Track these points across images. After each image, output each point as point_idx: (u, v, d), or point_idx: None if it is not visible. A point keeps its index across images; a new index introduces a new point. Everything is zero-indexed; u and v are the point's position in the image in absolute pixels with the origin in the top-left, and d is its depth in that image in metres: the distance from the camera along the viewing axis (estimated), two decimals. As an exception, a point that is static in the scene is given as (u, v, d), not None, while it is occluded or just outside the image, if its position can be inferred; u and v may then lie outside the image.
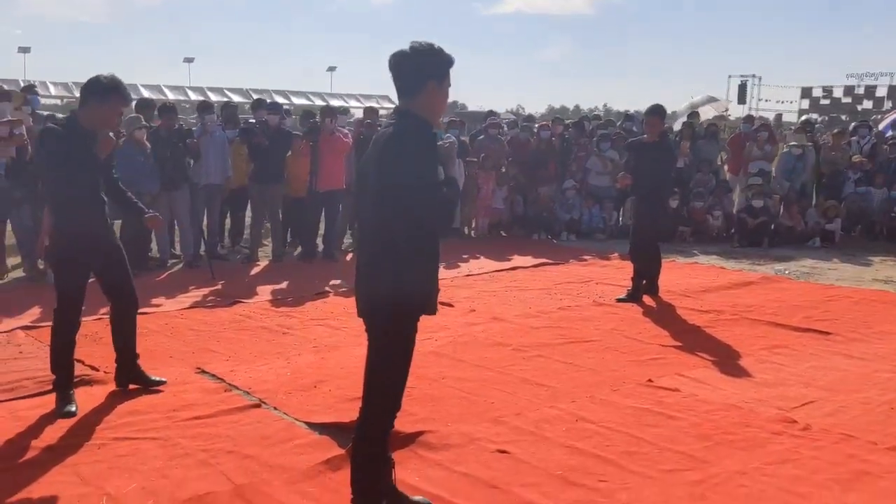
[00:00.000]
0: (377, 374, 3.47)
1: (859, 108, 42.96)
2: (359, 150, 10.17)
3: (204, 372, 5.64)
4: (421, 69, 3.33)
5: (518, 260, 10.50)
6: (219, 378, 5.49)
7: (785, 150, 14.11)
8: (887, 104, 40.39)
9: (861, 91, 44.60)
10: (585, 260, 10.71)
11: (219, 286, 8.61)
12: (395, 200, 3.24)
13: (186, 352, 6.16)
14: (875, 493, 3.87)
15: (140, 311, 5.45)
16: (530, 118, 15.55)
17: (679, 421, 4.78)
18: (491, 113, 14.89)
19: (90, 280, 5.06)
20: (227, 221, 11.15)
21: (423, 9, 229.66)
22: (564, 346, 6.39)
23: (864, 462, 4.21)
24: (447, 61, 3.39)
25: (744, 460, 4.23)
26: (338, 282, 8.80)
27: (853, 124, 16.79)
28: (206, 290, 8.37)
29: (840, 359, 6.14)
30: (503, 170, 12.93)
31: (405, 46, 3.34)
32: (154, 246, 9.87)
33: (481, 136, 13.30)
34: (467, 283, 9.08)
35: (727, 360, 6.08)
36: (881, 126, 18.16)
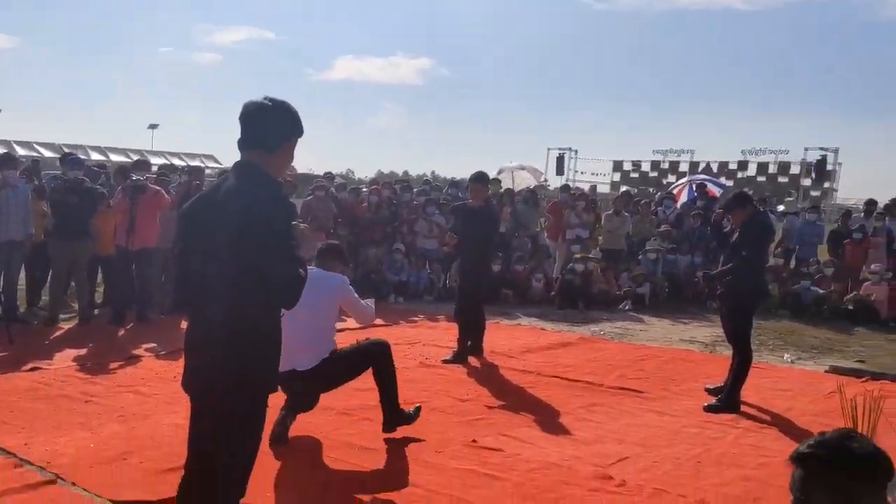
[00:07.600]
0: (223, 455, 3.09)
1: (664, 181, 45.96)
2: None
3: (-7, 446, 5.09)
4: (284, 126, 3.12)
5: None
6: (9, 452, 4.96)
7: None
8: (689, 179, 43.51)
9: (666, 166, 47.89)
10: (415, 321, 10.71)
11: (16, 351, 7.89)
12: (250, 270, 2.93)
13: (-27, 424, 5.56)
14: (688, 546, 3.98)
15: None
16: (376, 182, 15.57)
17: (503, 482, 4.77)
18: (328, 174, 14.82)
19: None
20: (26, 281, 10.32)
21: (250, 70, 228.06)
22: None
23: (675, 516, 4.34)
24: (301, 125, 3.19)
25: (565, 519, 4.25)
26: (151, 345, 8.31)
27: (658, 195, 17.90)
28: (0, 356, 7.66)
29: (652, 415, 6.39)
30: (331, 231, 12.81)
31: (256, 98, 3.12)
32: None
33: (310, 197, 13.17)
34: (291, 345, 8.81)
35: (548, 419, 6.18)
36: (684, 195, 19.18)
